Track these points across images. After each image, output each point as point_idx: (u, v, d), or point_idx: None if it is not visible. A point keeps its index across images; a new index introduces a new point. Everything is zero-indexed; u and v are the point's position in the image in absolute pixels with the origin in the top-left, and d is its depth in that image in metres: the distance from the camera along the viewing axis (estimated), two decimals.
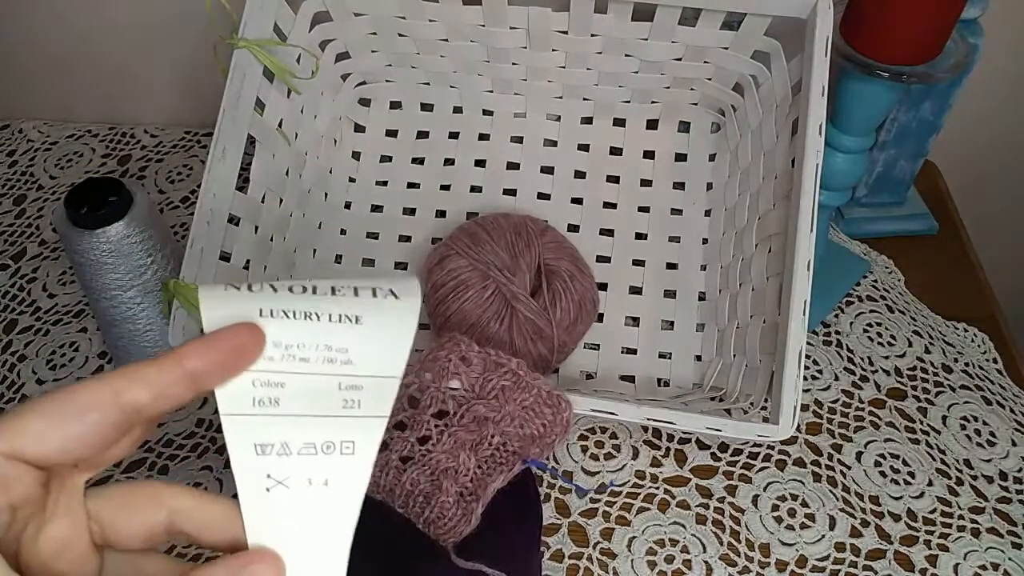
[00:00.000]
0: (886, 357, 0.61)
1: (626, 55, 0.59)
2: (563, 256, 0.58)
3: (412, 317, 0.29)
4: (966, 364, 0.60)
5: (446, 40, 0.61)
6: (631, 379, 0.59)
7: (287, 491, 0.26)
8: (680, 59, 0.59)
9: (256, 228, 0.57)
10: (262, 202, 0.58)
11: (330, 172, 0.67)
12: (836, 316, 0.63)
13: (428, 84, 0.67)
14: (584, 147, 0.68)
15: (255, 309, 0.27)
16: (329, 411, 0.27)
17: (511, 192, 0.67)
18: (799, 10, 0.51)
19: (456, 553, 0.39)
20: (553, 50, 0.60)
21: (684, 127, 0.67)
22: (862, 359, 0.61)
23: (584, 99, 0.66)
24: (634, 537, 0.52)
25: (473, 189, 0.67)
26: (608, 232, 0.65)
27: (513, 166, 0.68)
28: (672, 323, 0.61)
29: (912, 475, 0.55)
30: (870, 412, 0.58)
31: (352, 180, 0.68)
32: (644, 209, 0.65)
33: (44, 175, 0.77)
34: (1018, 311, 0.83)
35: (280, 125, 0.59)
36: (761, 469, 0.55)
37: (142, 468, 0.55)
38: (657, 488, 0.54)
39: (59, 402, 0.24)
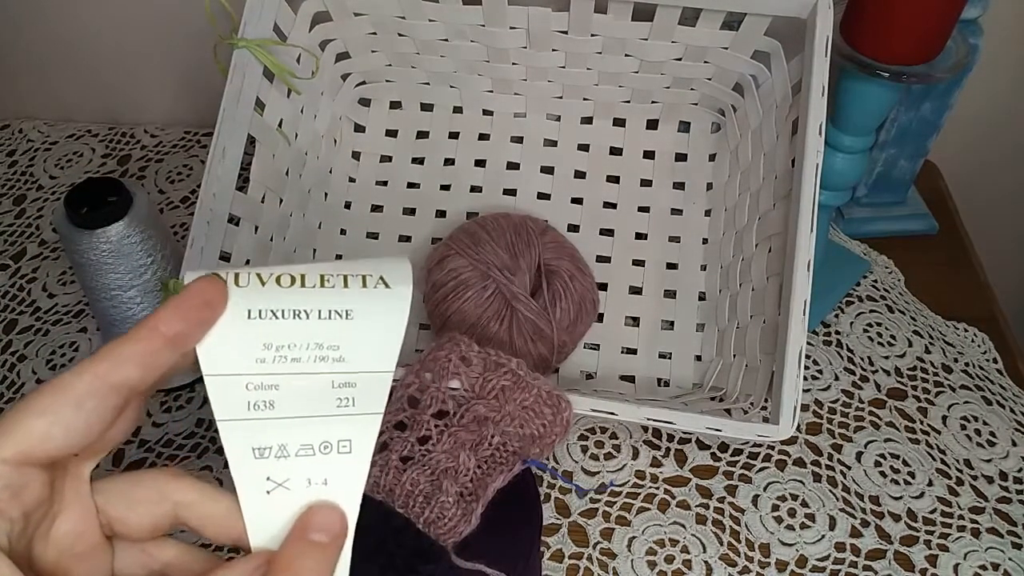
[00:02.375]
0: (886, 357, 0.61)
1: (626, 55, 0.59)
2: (563, 256, 0.58)
3: (403, 308, 0.28)
4: (966, 364, 0.60)
5: (446, 40, 0.61)
6: (631, 379, 0.59)
7: (287, 492, 0.26)
8: (680, 59, 0.59)
9: (256, 228, 0.57)
10: (262, 202, 0.58)
11: (330, 172, 0.67)
12: (836, 316, 0.63)
13: (428, 84, 0.67)
14: (584, 147, 0.68)
15: (243, 310, 0.27)
16: (324, 411, 0.27)
17: (511, 192, 0.67)
18: (799, 10, 0.51)
19: (456, 553, 0.39)
20: (553, 50, 0.60)
21: (684, 127, 0.67)
22: (862, 359, 0.61)
23: (584, 99, 0.66)
24: (634, 537, 0.52)
25: (473, 189, 0.67)
26: (608, 232, 0.65)
27: (513, 166, 0.68)
28: (672, 323, 0.61)
29: (912, 475, 0.55)
30: (870, 412, 0.58)
31: (352, 180, 0.68)
32: (644, 209, 0.65)
33: (44, 175, 0.77)
34: (1018, 311, 0.83)
35: (280, 125, 0.59)
36: (761, 469, 0.55)
37: (142, 468, 0.55)
38: (657, 488, 0.54)
39: (55, 396, 0.24)
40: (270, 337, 0.27)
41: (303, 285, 0.27)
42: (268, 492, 0.26)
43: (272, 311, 0.27)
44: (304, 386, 0.27)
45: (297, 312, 0.27)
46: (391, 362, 0.28)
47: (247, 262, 0.56)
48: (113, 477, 0.27)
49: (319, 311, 0.27)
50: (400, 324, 0.28)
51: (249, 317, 0.27)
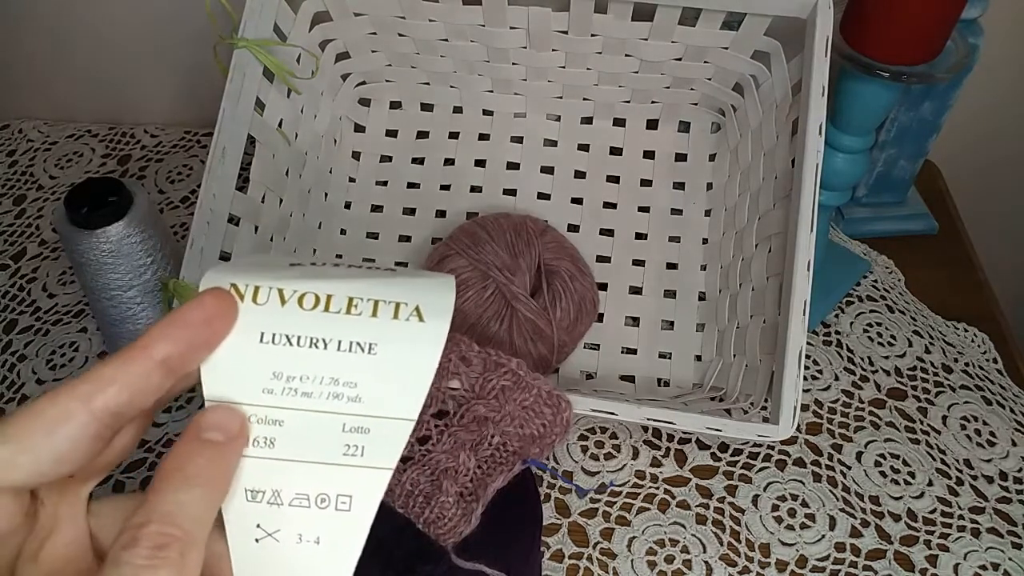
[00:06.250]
0: (886, 357, 0.61)
1: (626, 55, 0.59)
2: (563, 256, 0.58)
3: (436, 347, 0.25)
4: (966, 364, 0.60)
5: (446, 40, 0.61)
6: (631, 379, 0.59)
7: (276, 545, 0.24)
8: (680, 59, 0.59)
9: (256, 228, 0.57)
10: (262, 202, 0.58)
11: (330, 172, 0.67)
12: (836, 316, 0.63)
13: (428, 84, 0.67)
14: (584, 147, 0.68)
15: (256, 332, 0.24)
16: (328, 457, 0.24)
17: (511, 192, 0.67)
18: (799, 10, 0.51)
19: (456, 553, 0.39)
20: (553, 50, 0.60)
21: (684, 127, 0.67)
22: (862, 359, 0.61)
23: (584, 99, 0.66)
24: (634, 537, 0.52)
25: (473, 189, 0.67)
26: (608, 232, 0.65)
27: (513, 166, 0.68)
28: (672, 323, 0.61)
29: (912, 475, 0.55)
30: (870, 412, 0.58)
31: (352, 180, 0.68)
32: (644, 209, 0.65)
33: (44, 175, 0.77)
34: (1018, 311, 0.83)
35: (280, 125, 0.59)
36: (761, 469, 0.55)
37: (142, 468, 0.55)
38: (657, 488, 0.54)
39: (24, 423, 0.22)
40: (282, 366, 0.24)
41: (327, 309, 0.24)
42: (257, 540, 0.24)
43: (288, 337, 0.24)
44: (311, 426, 0.24)
45: (315, 341, 0.24)
46: (413, 409, 0.25)
47: None
48: (110, 500, 0.25)
49: (339, 342, 0.24)
50: (430, 366, 0.25)
51: (262, 340, 0.24)
